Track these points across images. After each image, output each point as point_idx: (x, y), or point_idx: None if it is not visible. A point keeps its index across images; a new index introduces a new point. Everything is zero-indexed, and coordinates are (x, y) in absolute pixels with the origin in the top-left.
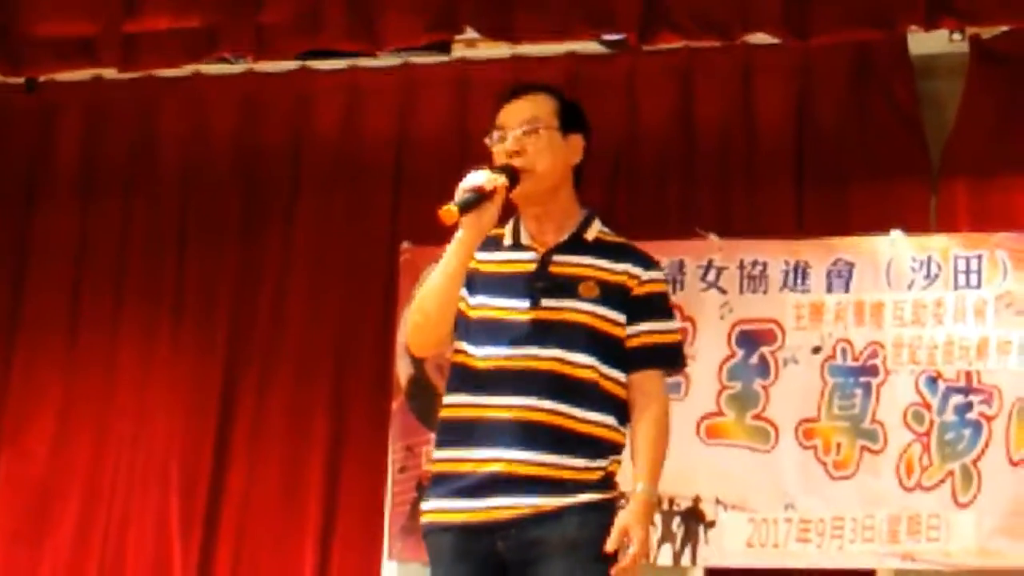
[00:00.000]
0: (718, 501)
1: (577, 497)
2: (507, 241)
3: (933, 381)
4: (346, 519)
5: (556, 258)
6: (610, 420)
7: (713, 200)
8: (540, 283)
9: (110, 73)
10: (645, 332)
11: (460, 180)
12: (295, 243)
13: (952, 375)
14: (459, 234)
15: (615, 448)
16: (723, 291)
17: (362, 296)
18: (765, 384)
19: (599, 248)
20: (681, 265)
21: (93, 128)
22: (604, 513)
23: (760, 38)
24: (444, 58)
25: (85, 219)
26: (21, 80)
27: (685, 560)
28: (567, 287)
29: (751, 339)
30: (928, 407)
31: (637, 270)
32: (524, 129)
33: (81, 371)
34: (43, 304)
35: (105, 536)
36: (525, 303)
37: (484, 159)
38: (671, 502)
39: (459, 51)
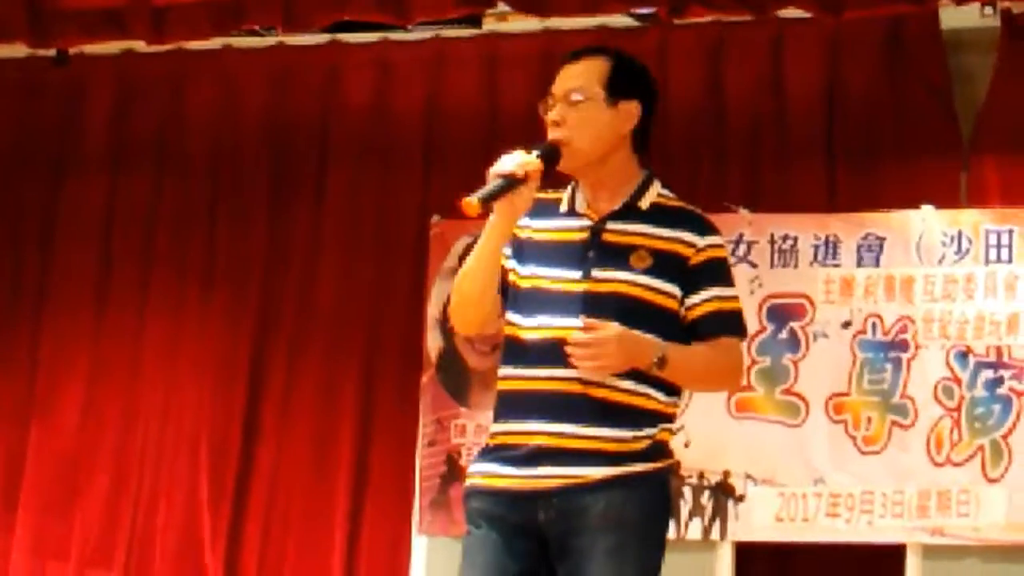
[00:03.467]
0: (748, 476)
1: (624, 467)
2: (563, 208)
3: (963, 356)
4: (376, 493)
5: (609, 226)
6: (658, 393)
7: (743, 174)
8: (592, 252)
9: (140, 47)
10: (708, 300)
11: (490, 156)
12: (325, 217)
13: (982, 350)
14: (491, 218)
15: (665, 418)
16: (753, 265)
17: (392, 270)
18: (795, 359)
19: (654, 215)
20: None
21: (123, 102)
22: (653, 486)
23: (791, 12)
24: (475, 32)
25: (114, 192)
26: (51, 53)
27: (714, 534)
28: (619, 256)
29: (781, 314)
30: (958, 382)
31: (693, 237)
32: (568, 100)
33: (110, 344)
34: (72, 278)
35: (135, 508)
36: (576, 273)
37: (513, 133)
38: (701, 476)
39: (490, 25)
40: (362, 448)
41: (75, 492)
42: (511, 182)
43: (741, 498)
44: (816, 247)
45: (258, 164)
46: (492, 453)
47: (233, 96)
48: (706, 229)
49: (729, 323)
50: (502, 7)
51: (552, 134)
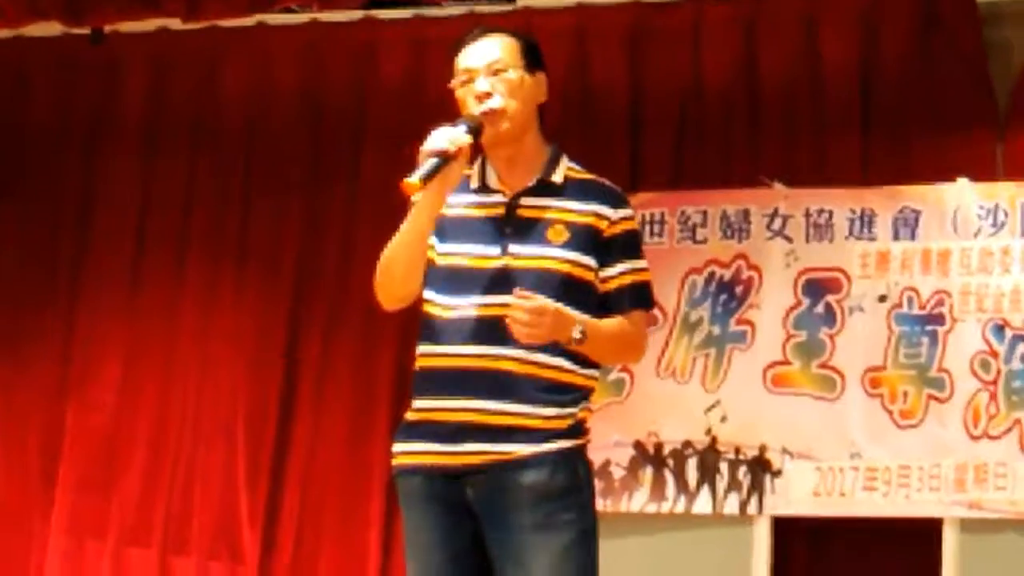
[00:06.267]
0: (784, 450)
1: (549, 445)
2: (474, 184)
3: (1000, 329)
4: None
5: (524, 201)
6: (578, 367)
7: (778, 149)
8: (508, 228)
9: (175, 24)
10: (623, 273)
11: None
12: (360, 195)
13: (1019, 323)
14: (421, 197)
15: (586, 394)
16: (789, 240)
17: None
18: (831, 333)
19: (567, 189)
20: (746, 214)
21: (158, 80)
22: (578, 462)
23: None
24: (509, 7)
25: (150, 171)
26: (87, 32)
27: (751, 509)
28: (535, 232)
29: (817, 288)
30: (995, 355)
31: (607, 210)
32: (492, 70)
33: (145, 322)
34: (108, 256)
35: (171, 485)
36: (495, 250)
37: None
38: (737, 451)
39: (524, 0)
40: (398, 425)
41: (112, 470)
42: (445, 159)
43: (778, 473)
44: (852, 221)
45: (293, 141)
46: (415, 429)
47: (268, 73)
48: (619, 202)
49: (641, 296)
50: None
51: (485, 105)
